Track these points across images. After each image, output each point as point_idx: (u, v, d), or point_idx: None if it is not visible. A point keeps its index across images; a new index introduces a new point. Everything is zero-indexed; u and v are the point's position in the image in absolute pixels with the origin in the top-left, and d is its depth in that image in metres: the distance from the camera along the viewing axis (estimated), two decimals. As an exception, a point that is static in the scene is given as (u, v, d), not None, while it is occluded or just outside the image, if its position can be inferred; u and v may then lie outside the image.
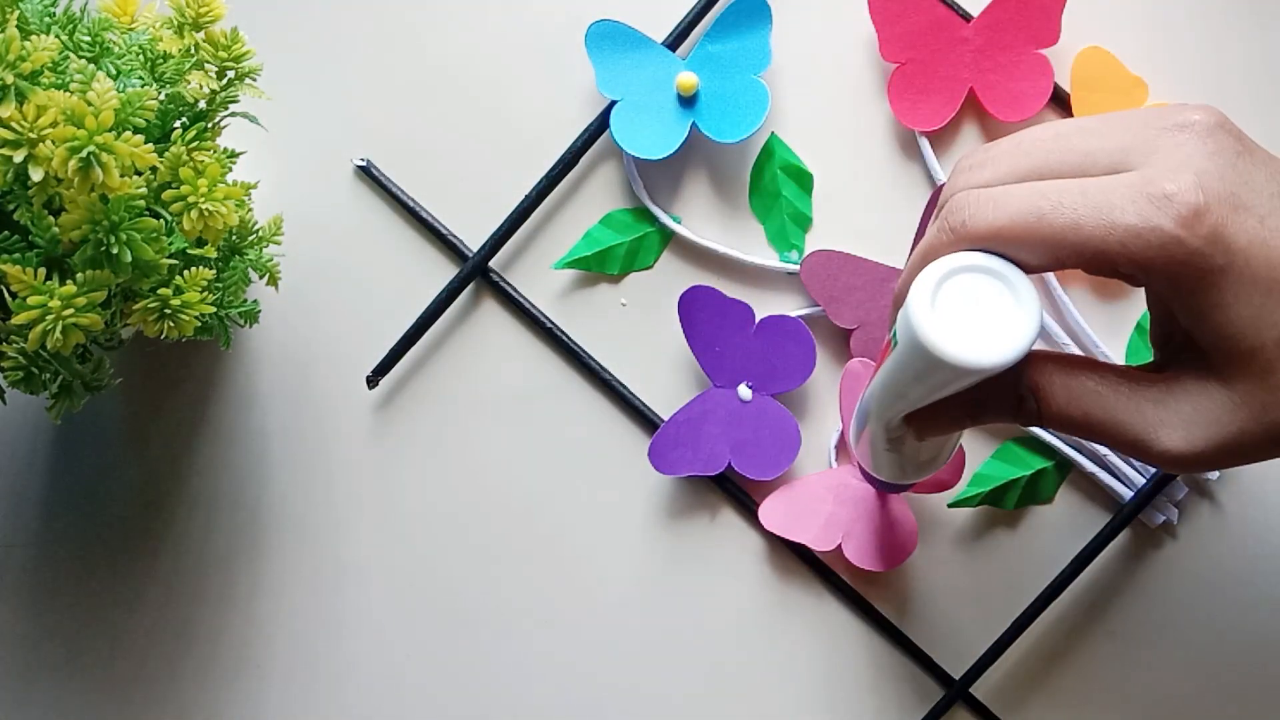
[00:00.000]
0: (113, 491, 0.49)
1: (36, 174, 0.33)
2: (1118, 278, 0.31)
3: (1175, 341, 0.32)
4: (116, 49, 0.38)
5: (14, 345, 0.36)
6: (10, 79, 0.33)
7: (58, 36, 0.37)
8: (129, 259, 0.35)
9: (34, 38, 0.34)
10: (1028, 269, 0.30)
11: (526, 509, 0.48)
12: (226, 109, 0.40)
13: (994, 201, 0.30)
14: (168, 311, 0.37)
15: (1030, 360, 0.32)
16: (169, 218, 0.37)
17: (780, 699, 0.47)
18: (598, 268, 0.48)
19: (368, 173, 0.48)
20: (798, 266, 0.47)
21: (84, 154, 0.33)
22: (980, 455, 0.47)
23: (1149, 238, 0.28)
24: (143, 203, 0.35)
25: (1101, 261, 0.29)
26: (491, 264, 0.48)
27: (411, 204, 0.48)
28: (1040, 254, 0.30)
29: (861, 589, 0.47)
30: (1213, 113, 0.31)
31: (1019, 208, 0.30)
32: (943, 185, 0.45)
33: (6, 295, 0.35)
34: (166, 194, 0.36)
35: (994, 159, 0.32)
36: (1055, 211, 0.29)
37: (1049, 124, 0.32)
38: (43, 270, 0.34)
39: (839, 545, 0.46)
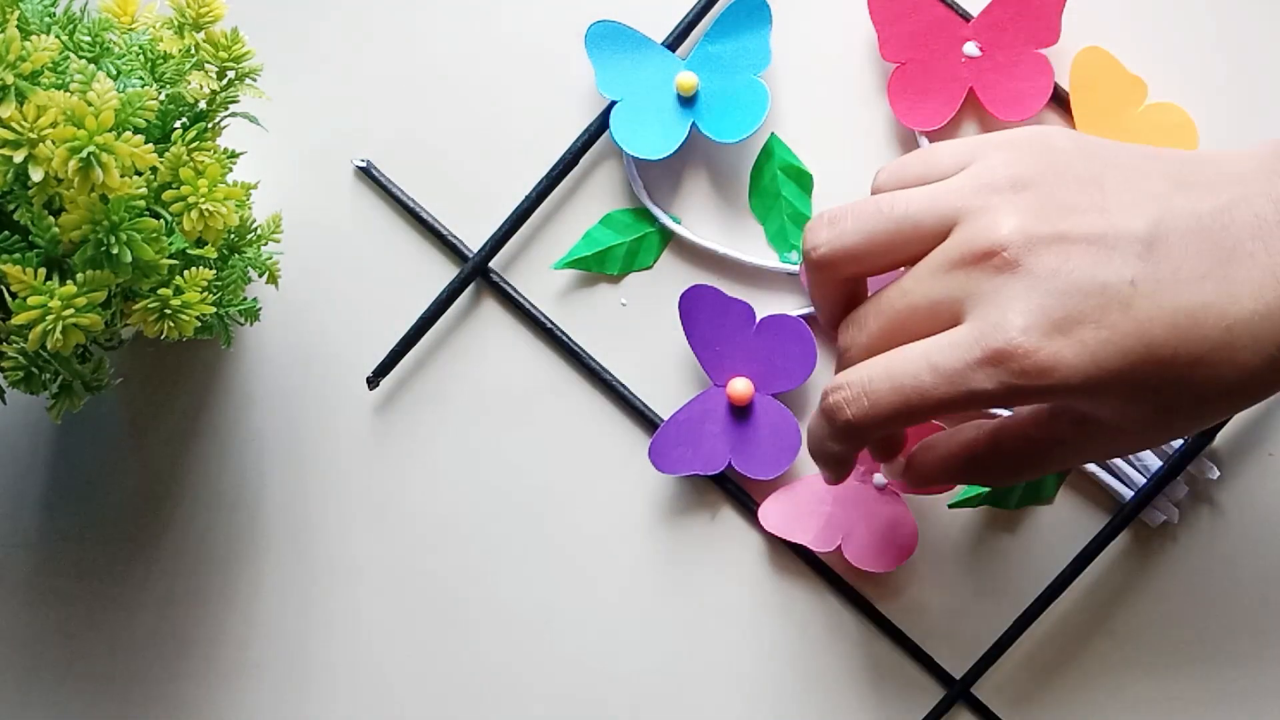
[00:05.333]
0: (113, 492, 0.49)
1: (36, 174, 0.33)
2: None
3: None
4: (117, 49, 0.38)
5: (14, 345, 0.36)
6: (10, 79, 0.33)
7: (58, 37, 0.37)
8: (129, 259, 0.35)
9: (34, 38, 0.34)
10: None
11: (527, 509, 0.48)
12: (226, 109, 0.40)
13: (867, 398, 0.34)
14: (168, 311, 0.37)
15: None
16: (169, 218, 0.37)
17: (780, 699, 0.47)
18: (598, 268, 0.48)
19: (368, 173, 0.48)
20: (798, 266, 0.47)
21: (84, 154, 0.33)
22: (980, 455, 0.47)
23: (1004, 392, 0.32)
24: (143, 203, 0.35)
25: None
26: (491, 264, 0.48)
27: (411, 204, 0.48)
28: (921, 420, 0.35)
29: (861, 589, 0.47)
30: (1005, 180, 0.34)
31: (890, 402, 0.34)
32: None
33: (6, 295, 0.35)
34: (167, 194, 0.36)
35: (859, 320, 0.37)
36: (921, 398, 0.33)
37: (895, 285, 0.36)
38: (43, 270, 0.34)
39: (839, 546, 0.46)
